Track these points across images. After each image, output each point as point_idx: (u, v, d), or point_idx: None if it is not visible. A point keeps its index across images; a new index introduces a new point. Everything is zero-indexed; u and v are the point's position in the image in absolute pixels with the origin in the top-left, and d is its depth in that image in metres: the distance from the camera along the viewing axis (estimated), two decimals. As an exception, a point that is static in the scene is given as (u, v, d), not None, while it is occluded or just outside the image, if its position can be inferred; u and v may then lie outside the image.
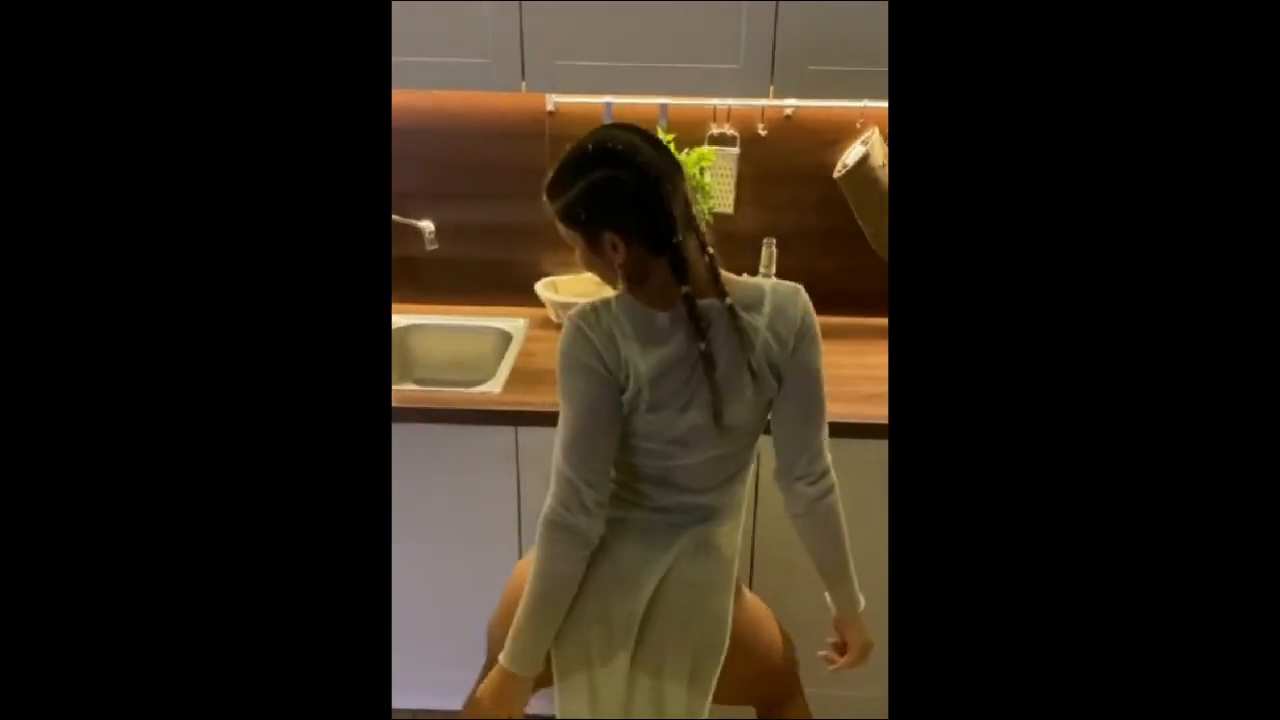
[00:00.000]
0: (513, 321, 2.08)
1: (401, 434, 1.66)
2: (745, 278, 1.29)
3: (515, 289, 2.10)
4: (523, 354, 1.93)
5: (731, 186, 1.99)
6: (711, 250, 1.24)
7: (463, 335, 2.09)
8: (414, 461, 1.72)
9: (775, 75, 1.64)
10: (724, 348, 1.22)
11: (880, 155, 1.92)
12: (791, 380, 1.26)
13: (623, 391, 1.22)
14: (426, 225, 2.01)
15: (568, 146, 1.21)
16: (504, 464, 1.74)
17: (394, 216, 2.02)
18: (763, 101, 1.94)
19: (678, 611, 1.30)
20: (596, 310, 1.23)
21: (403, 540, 1.72)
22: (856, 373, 1.83)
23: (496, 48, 1.67)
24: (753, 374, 1.23)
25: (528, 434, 1.70)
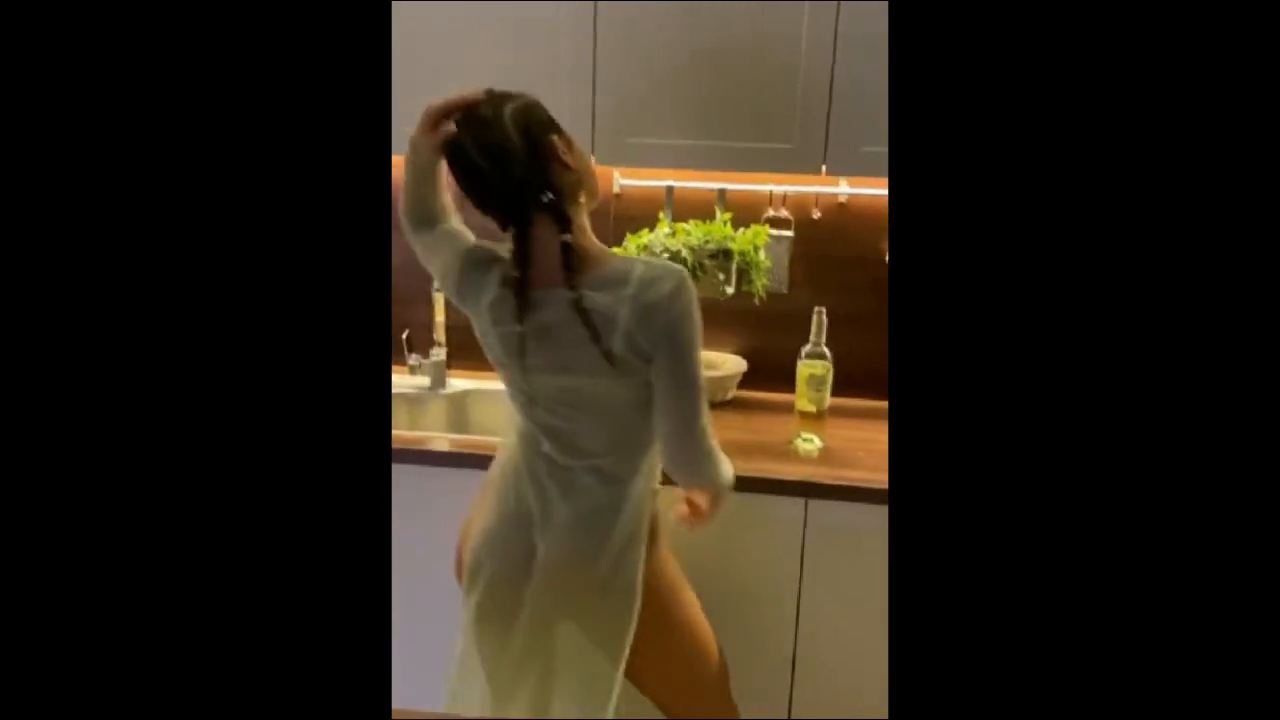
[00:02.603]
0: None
1: (446, 478, 1.74)
2: (618, 257, 1.30)
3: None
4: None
5: (785, 267, 2.07)
6: (567, 238, 1.24)
7: (519, 402, 2.17)
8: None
9: (828, 154, 1.74)
10: (563, 329, 1.26)
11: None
12: (660, 358, 1.26)
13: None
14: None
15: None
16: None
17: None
18: (817, 187, 2.03)
19: (575, 549, 1.36)
20: (488, 248, 1.38)
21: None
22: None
23: (571, 125, 1.80)
24: (604, 354, 1.24)
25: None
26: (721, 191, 2.06)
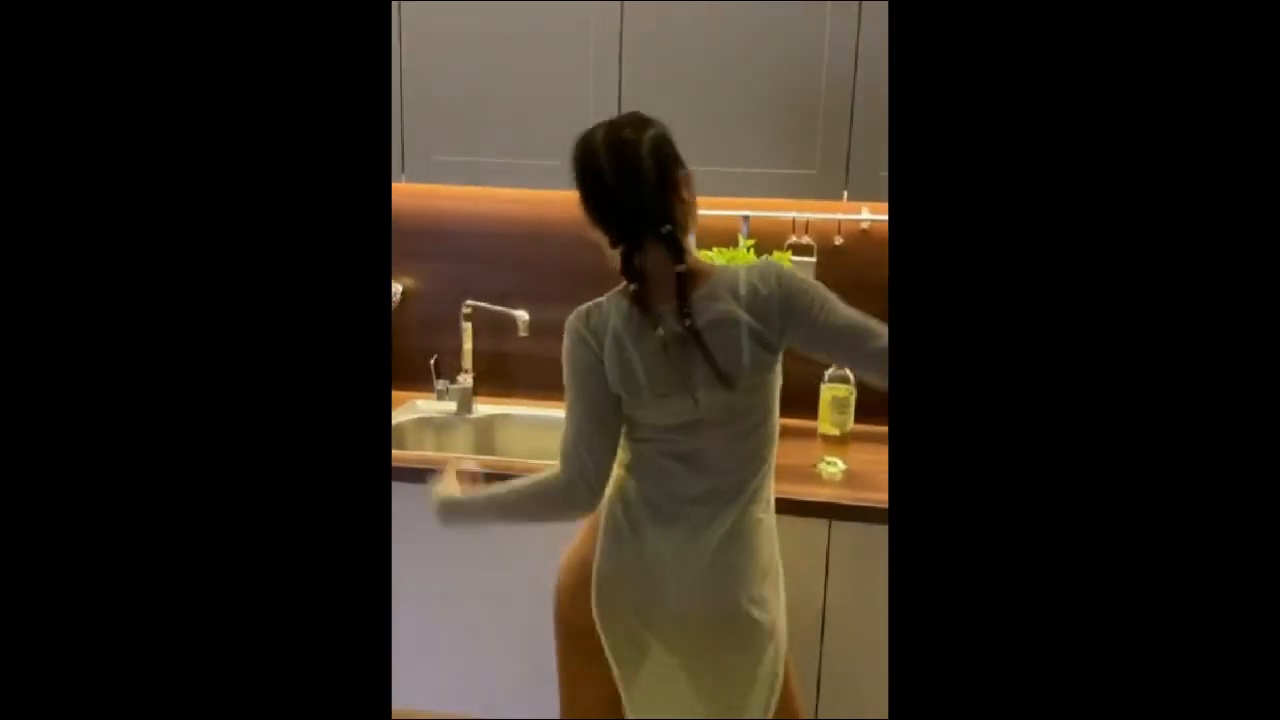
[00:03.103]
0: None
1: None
2: (721, 267, 1.35)
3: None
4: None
5: (808, 293, 2.09)
6: (682, 269, 1.29)
7: (544, 426, 2.19)
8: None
9: (849, 181, 1.77)
10: (685, 346, 1.29)
11: (953, 266, 2.00)
12: (804, 337, 1.31)
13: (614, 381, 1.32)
14: (521, 315, 2.15)
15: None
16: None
17: (493, 306, 2.18)
18: (839, 215, 2.06)
19: (711, 603, 1.35)
20: (589, 311, 1.35)
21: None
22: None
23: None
24: (733, 357, 1.28)
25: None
26: (745, 218, 2.08)
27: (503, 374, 2.29)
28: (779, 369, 1.36)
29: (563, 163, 1.83)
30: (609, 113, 1.84)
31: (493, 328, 2.22)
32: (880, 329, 1.29)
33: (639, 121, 1.31)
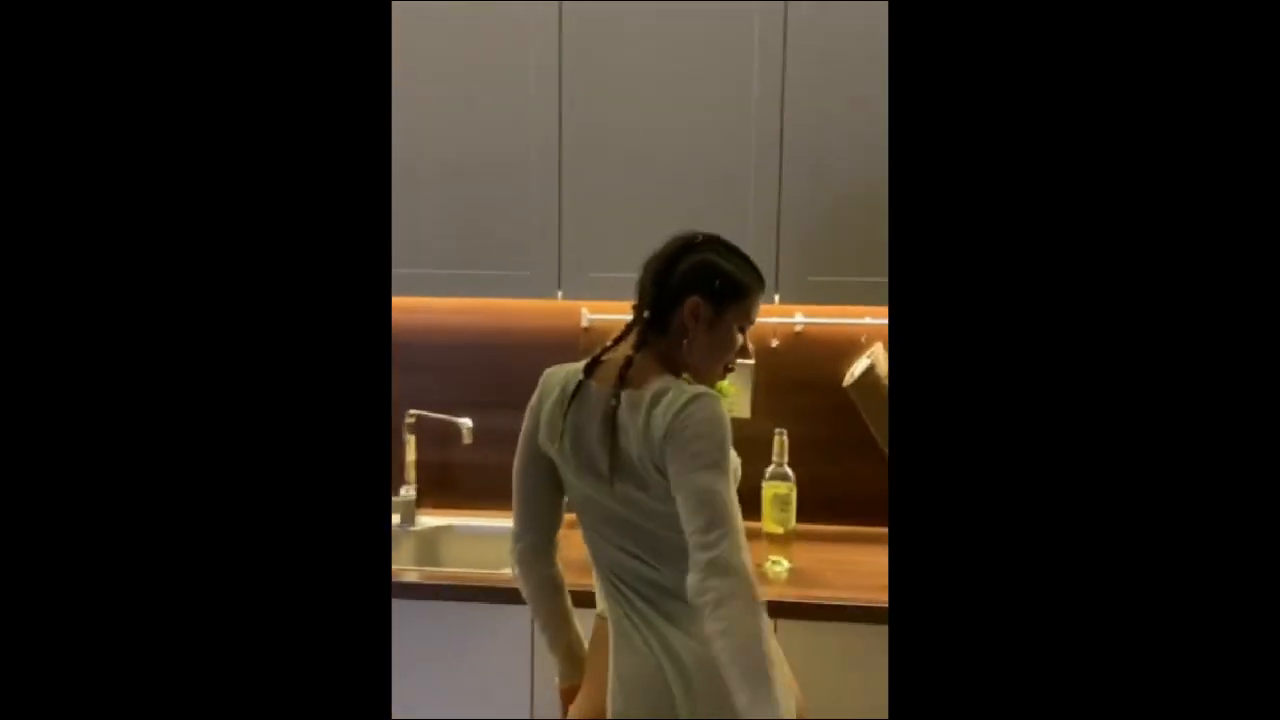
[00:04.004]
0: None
1: (424, 610, 1.73)
2: (673, 381, 1.32)
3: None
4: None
5: (748, 394, 2.15)
6: (631, 354, 1.34)
7: (489, 537, 2.17)
8: (435, 637, 1.76)
9: (780, 284, 1.86)
10: (591, 429, 1.34)
11: (883, 366, 2.08)
12: (672, 479, 1.27)
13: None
14: (465, 422, 2.16)
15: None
16: (518, 644, 1.77)
17: (435, 415, 2.18)
18: (774, 319, 2.14)
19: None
20: (554, 370, 1.44)
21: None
22: (871, 568, 1.87)
23: (538, 260, 1.92)
24: (611, 463, 1.31)
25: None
26: (683, 325, 2.15)
27: (447, 484, 2.28)
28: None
29: (509, 272, 1.93)
30: (550, 222, 1.93)
31: (436, 437, 2.22)
32: (715, 541, 1.21)
33: (712, 239, 1.40)
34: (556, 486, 1.43)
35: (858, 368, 2.11)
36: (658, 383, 1.31)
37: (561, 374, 1.42)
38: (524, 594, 1.50)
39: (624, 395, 1.32)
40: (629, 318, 1.41)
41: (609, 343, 1.42)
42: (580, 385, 1.37)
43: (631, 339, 1.38)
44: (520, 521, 1.46)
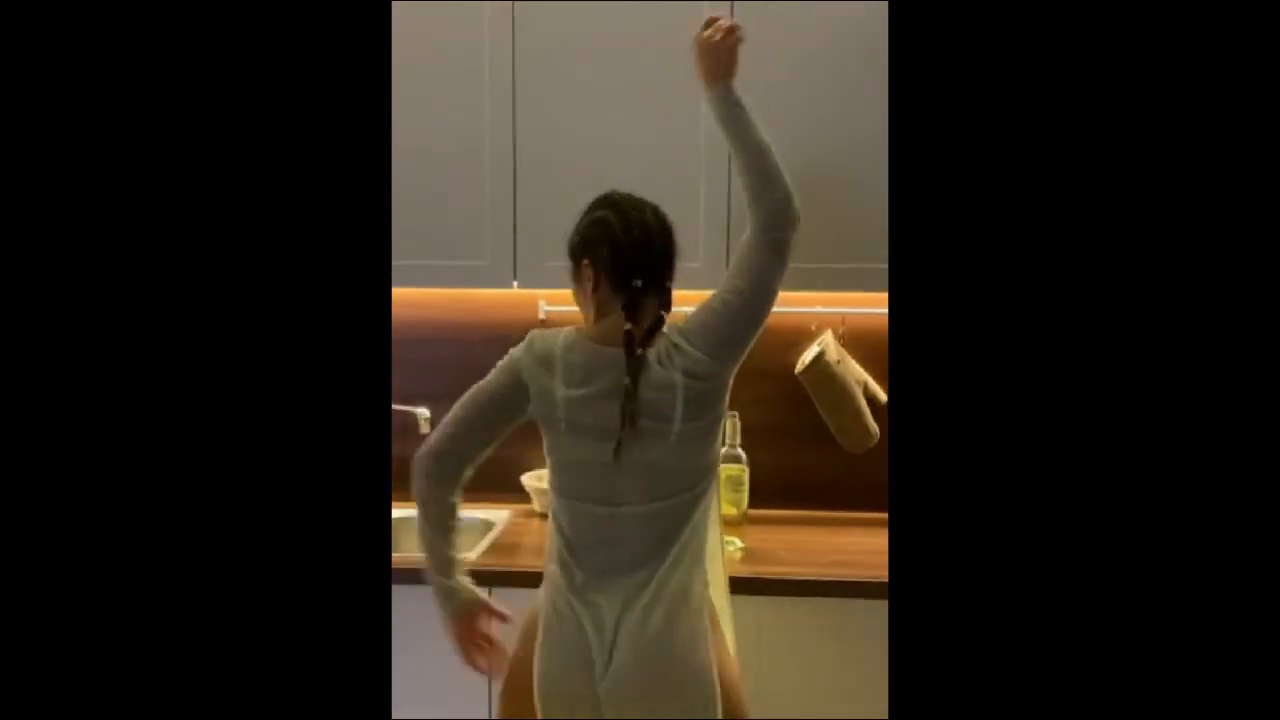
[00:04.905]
0: (498, 513, 2.18)
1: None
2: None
3: (501, 485, 2.21)
4: (505, 534, 2.03)
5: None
6: (664, 315, 1.43)
7: (449, 527, 2.18)
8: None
9: (732, 271, 1.90)
10: (647, 391, 1.36)
11: (833, 353, 2.13)
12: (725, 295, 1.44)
13: (524, 411, 1.43)
14: (422, 412, 2.18)
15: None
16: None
17: (395, 406, 2.20)
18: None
19: (652, 675, 1.32)
20: (546, 338, 1.45)
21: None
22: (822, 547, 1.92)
23: (494, 249, 1.95)
24: (667, 418, 1.35)
25: (502, 594, 1.76)
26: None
27: (404, 475, 2.27)
28: (713, 440, 1.43)
29: (465, 262, 1.95)
30: (505, 213, 1.96)
31: (393, 428, 2.23)
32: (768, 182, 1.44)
33: (638, 199, 1.46)
34: (507, 426, 1.46)
35: (808, 355, 2.16)
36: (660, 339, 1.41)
37: (554, 339, 1.44)
38: (419, 499, 1.51)
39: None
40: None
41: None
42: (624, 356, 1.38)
43: (628, 297, 1.41)
44: (451, 440, 1.46)
